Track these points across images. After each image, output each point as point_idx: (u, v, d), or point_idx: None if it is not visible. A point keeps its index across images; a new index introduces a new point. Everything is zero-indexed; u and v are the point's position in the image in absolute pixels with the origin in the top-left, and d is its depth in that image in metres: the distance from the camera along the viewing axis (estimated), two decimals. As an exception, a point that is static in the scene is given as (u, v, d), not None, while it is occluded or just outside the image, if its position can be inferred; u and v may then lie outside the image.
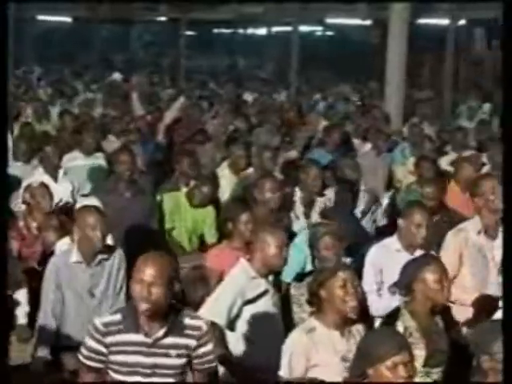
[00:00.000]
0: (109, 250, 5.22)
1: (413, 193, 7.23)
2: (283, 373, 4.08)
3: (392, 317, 4.45)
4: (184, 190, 7.26)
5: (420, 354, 4.15)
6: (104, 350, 3.69)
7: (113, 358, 3.70)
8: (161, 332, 3.68)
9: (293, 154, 9.40)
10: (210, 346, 3.83)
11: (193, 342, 3.75)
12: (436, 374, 4.31)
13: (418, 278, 4.35)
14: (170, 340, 3.70)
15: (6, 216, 4.38)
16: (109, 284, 5.17)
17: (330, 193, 7.14)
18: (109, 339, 3.68)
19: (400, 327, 4.23)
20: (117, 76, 20.55)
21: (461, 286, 5.38)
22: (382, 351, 3.37)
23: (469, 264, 5.41)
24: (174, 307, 3.74)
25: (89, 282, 5.12)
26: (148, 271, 3.60)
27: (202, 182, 7.06)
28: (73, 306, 5.12)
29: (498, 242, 5.40)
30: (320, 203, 6.86)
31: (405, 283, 4.44)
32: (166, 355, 3.70)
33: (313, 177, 6.89)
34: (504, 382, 3.32)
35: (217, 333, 4.55)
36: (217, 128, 10.76)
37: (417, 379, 3.98)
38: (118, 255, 5.23)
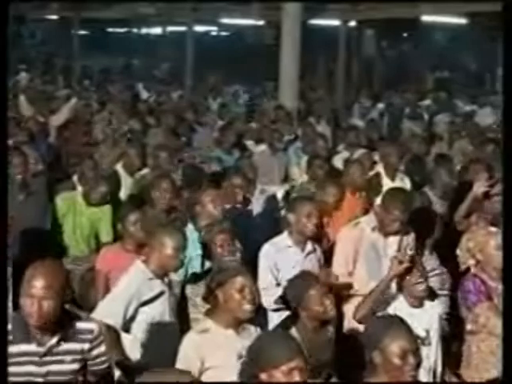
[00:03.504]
0: None
1: (305, 191, 7.33)
2: None
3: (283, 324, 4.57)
4: (80, 190, 7.16)
5: None
6: None
7: None
8: (53, 340, 3.61)
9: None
10: (102, 348, 3.80)
11: (86, 346, 3.71)
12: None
13: (302, 301, 4.51)
14: (63, 347, 3.64)
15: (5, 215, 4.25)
16: None
17: None
18: None
19: None
20: (24, 76, 20.05)
21: (357, 280, 5.49)
22: (276, 356, 3.32)
23: (363, 259, 5.50)
24: (66, 312, 3.68)
25: None
26: (38, 284, 3.49)
27: (98, 181, 6.96)
28: None
29: (392, 239, 5.53)
30: None
31: (291, 302, 4.58)
32: (60, 362, 3.64)
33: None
34: (504, 382, 3.33)
35: (112, 335, 4.51)
36: (109, 128, 10.66)
37: None
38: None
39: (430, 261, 5.95)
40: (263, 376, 3.35)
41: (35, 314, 3.49)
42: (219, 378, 3.96)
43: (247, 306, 4.07)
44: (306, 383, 3.37)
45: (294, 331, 4.40)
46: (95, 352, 3.76)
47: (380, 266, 5.48)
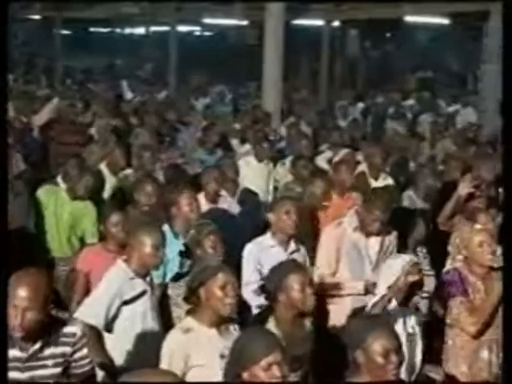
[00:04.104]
0: None
1: (289, 191, 7.35)
2: None
3: (261, 316, 4.54)
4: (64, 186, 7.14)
5: None
6: None
7: None
8: (37, 345, 3.59)
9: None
10: (85, 350, 3.79)
11: (68, 349, 3.69)
12: (294, 377, 4.36)
13: (282, 286, 4.38)
14: (46, 351, 3.63)
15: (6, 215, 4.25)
16: None
17: None
18: None
19: None
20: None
21: (340, 280, 5.50)
22: (254, 352, 3.36)
23: (346, 259, 5.52)
24: (49, 317, 3.66)
25: None
26: (21, 295, 3.46)
27: (83, 174, 6.91)
28: None
29: (373, 240, 5.54)
30: None
31: (270, 290, 4.48)
32: (44, 367, 3.62)
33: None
34: (504, 382, 3.32)
35: (94, 335, 4.51)
36: (99, 128, 10.64)
37: None
38: None
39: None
40: (245, 375, 3.38)
41: (18, 324, 3.47)
42: (202, 377, 3.97)
43: (230, 303, 4.06)
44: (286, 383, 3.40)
45: (271, 323, 4.36)
46: (78, 355, 3.74)
47: (362, 265, 5.51)
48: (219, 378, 3.91)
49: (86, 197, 6.83)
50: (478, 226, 5.14)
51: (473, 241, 4.97)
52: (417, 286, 4.88)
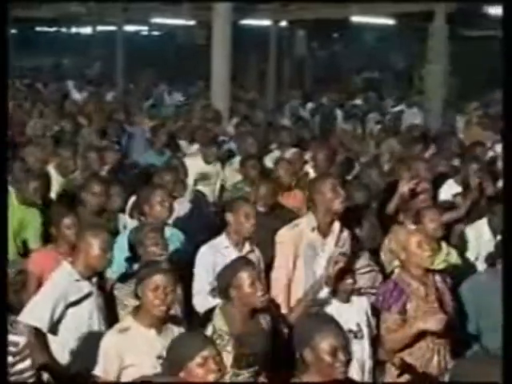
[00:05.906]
0: None
1: (239, 191, 7.38)
2: (98, 372, 4.06)
3: (206, 316, 4.55)
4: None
5: (227, 356, 4.22)
6: None
7: None
8: None
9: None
10: (27, 362, 3.76)
11: (10, 359, 3.66)
12: (247, 373, 4.40)
13: (233, 283, 4.41)
14: None
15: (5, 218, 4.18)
16: None
17: None
18: None
19: (209, 329, 4.35)
20: None
21: (296, 281, 5.47)
22: (188, 349, 3.43)
23: (302, 259, 5.48)
24: None
25: None
26: None
27: (31, 178, 6.86)
28: None
29: (330, 239, 5.55)
30: None
31: (221, 288, 4.50)
32: None
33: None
34: (504, 382, 3.35)
35: (39, 337, 4.47)
36: (40, 128, 10.53)
37: (227, 379, 4.11)
38: None
39: (362, 258, 6.01)
40: (182, 374, 3.45)
41: None
42: (137, 376, 3.93)
43: (161, 307, 4.09)
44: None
45: (220, 321, 4.39)
46: (19, 367, 3.73)
47: (316, 263, 5.49)
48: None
49: (33, 204, 6.78)
50: (413, 227, 5.13)
51: (411, 242, 4.87)
52: (348, 275, 4.94)
